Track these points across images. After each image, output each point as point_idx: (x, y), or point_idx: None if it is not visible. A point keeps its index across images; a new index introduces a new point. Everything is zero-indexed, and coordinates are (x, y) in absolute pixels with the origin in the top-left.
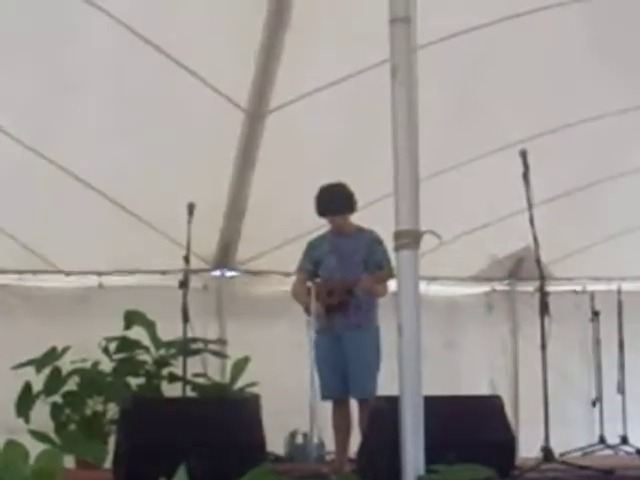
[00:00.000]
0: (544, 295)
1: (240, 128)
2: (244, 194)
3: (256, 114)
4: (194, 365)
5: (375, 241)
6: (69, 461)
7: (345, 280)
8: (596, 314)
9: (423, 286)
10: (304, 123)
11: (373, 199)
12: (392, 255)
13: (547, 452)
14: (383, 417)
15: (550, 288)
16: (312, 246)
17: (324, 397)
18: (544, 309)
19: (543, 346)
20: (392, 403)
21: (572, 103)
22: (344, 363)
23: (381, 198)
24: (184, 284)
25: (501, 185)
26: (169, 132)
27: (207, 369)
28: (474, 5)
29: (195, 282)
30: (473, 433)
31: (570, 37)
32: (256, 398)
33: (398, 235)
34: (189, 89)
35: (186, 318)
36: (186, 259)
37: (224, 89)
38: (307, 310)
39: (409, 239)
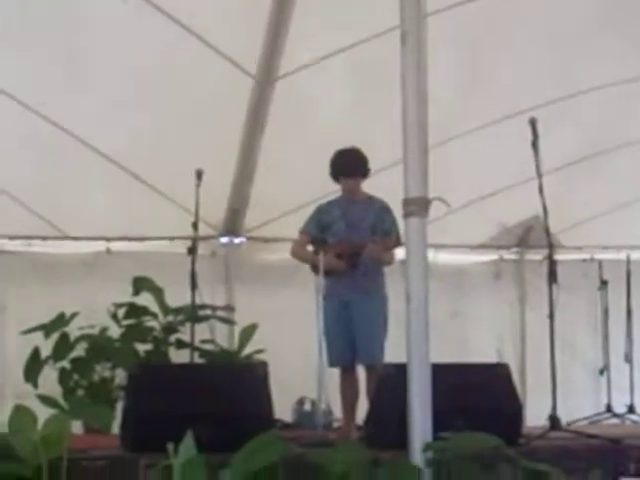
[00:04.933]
0: (552, 263)
1: (249, 94)
2: (252, 161)
3: (265, 81)
4: (202, 332)
5: (384, 209)
6: (77, 427)
7: (353, 244)
8: (604, 283)
9: (431, 254)
10: (313, 90)
11: (380, 167)
12: (401, 223)
13: (554, 420)
14: (391, 384)
15: (558, 257)
16: (321, 210)
17: (332, 364)
18: (552, 277)
19: (551, 314)
20: (400, 370)
21: (582, 71)
22: (351, 329)
23: (388, 167)
24: (192, 250)
25: (510, 153)
26: (178, 98)
27: (215, 336)
28: None
29: (203, 249)
30: (480, 401)
31: (581, 4)
32: (264, 365)
33: (407, 202)
34: (199, 55)
35: (194, 284)
36: (194, 225)
37: (234, 56)
38: (314, 269)
39: (418, 206)
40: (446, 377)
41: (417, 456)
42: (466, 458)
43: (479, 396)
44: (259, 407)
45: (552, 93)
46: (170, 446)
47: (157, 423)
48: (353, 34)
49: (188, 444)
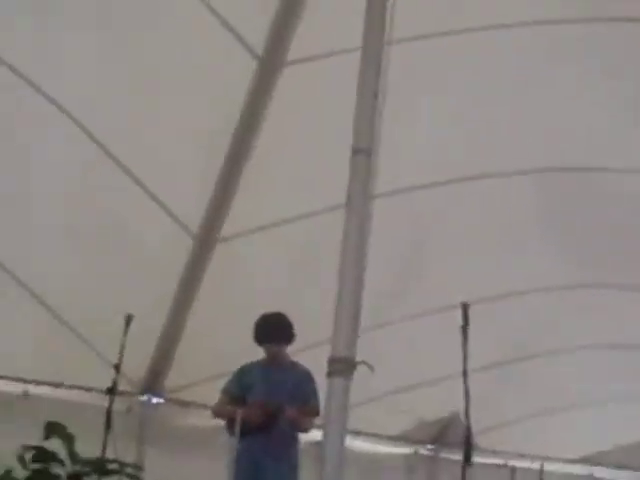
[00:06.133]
0: (469, 446)
1: (187, 253)
2: (182, 320)
3: (205, 241)
4: None
5: (306, 377)
6: None
7: (271, 406)
8: None
9: (347, 440)
10: (254, 256)
11: (310, 343)
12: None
13: None
14: None
15: (473, 458)
16: (244, 371)
17: None
18: (467, 461)
19: None
20: None
21: (515, 272)
22: None
23: (317, 344)
24: (112, 391)
25: (433, 346)
26: (116, 242)
27: None
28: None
29: (120, 404)
30: None
31: (521, 206)
32: None
33: (332, 361)
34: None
35: (109, 425)
36: (117, 368)
37: (178, 212)
38: (229, 429)
39: (343, 366)
40: None
41: None
42: None
43: None
44: None
45: (484, 292)
46: None
47: None
48: (299, 206)
49: None
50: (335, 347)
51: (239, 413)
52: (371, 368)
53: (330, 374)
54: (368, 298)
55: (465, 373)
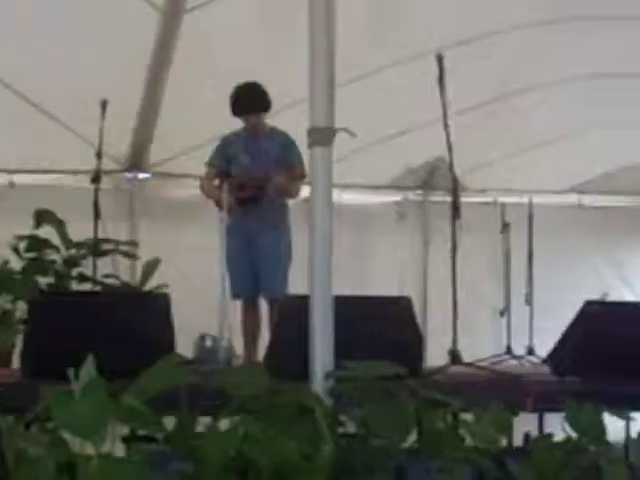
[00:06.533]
0: (456, 200)
1: (156, 27)
2: (158, 93)
3: (172, 13)
4: (104, 267)
5: (288, 142)
6: None
7: (257, 176)
8: (506, 226)
9: (335, 194)
10: (220, 24)
11: (292, 101)
12: (305, 155)
13: (454, 355)
14: (292, 316)
15: (462, 199)
16: (225, 143)
17: (234, 296)
18: (455, 214)
19: (453, 248)
20: (301, 301)
21: (490, 12)
22: (255, 263)
23: (294, 103)
24: (96, 180)
25: (416, 93)
26: (83, 26)
27: (117, 270)
28: None
29: (107, 183)
30: (381, 333)
31: None
32: (166, 295)
33: (312, 132)
34: None
35: (97, 215)
36: (98, 155)
37: None
38: (218, 204)
39: (323, 136)
40: (348, 308)
41: (318, 386)
42: (366, 386)
43: (380, 328)
44: (161, 336)
45: (462, 33)
46: (70, 371)
47: (58, 350)
48: None
49: (89, 369)
50: (313, 117)
51: (225, 189)
52: (352, 134)
53: (311, 144)
54: (342, 49)
55: (446, 123)
